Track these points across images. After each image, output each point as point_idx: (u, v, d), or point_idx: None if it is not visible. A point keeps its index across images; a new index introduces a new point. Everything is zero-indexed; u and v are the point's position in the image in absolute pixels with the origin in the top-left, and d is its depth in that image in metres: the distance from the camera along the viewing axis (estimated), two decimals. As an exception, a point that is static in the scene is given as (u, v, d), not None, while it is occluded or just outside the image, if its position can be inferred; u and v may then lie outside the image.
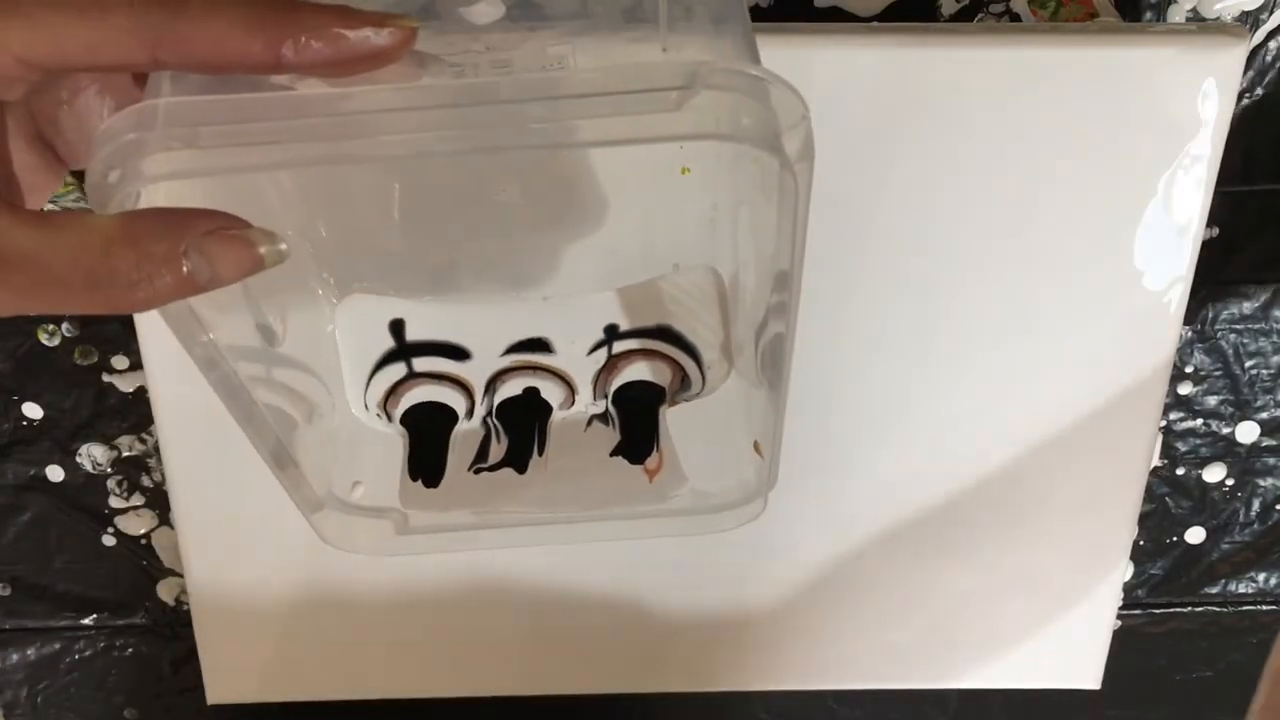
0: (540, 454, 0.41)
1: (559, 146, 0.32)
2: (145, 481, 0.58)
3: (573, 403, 0.43)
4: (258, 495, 0.47)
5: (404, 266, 0.40)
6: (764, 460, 0.38)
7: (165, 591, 0.60)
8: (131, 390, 0.55)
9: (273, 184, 0.35)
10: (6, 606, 0.61)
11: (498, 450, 0.41)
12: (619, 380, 0.42)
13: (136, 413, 0.56)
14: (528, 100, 0.24)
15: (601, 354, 0.42)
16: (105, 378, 0.55)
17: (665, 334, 0.42)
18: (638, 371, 0.42)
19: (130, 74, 0.28)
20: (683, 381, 0.43)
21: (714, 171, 0.37)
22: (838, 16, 0.47)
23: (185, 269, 0.24)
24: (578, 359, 0.42)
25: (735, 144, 0.25)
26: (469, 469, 0.41)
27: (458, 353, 0.41)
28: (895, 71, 0.40)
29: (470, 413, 0.42)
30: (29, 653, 0.62)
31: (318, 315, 0.40)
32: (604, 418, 0.43)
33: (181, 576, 0.58)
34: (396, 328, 0.41)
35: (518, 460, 0.41)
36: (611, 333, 0.42)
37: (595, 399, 0.43)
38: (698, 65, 0.24)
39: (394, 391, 0.42)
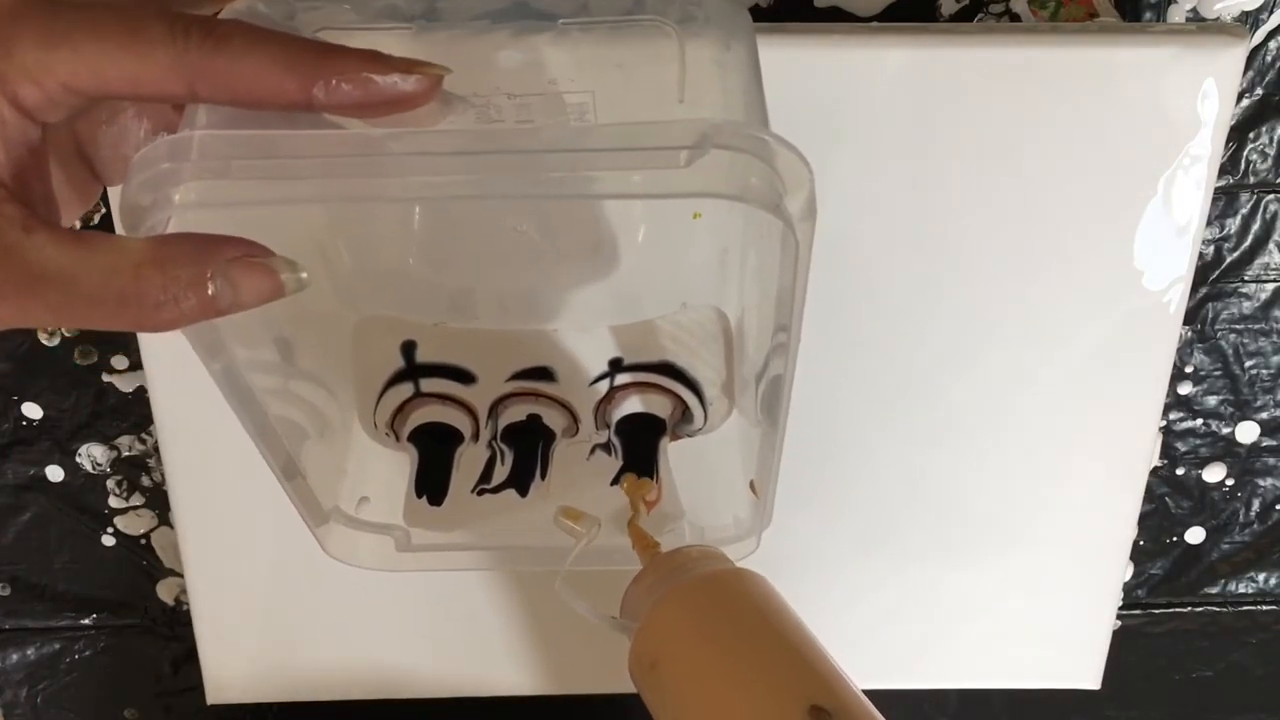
0: (543, 478, 0.41)
1: (572, 198, 0.33)
2: (145, 481, 0.58)
3: (576, 431, 0.43)
4: (258, 495, 0.47)
5: (421, 291, 0.40)
6: (759, 500, 0.38)
7: (165, 591, 0.60)
8: (131, 390, 0.55)
9: (298, 207, 0.35)
10: (6, 606, 0.61)
11: (501, 473, 0.41)
12: (619, 411, 0.42)
13: (136, 413, 0.56)
14: (548, 151, 0.25)
15: (603, 385, 0.42)
16: (105, 378, 0.55)
17: (667, 369, 0.42)
18: (637, 404, 0.42)
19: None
20: (684, 415, 0.43)
21: (725, 218, 0.37)
22: (838, 16, 0.47)
23: (210, 292, 0.25)
24: (580, 389, 0.42)
25: (740, 203, 0.26)
26: (472, 490, 0.41)
27: (464, 376, 0.42)
28: (896, 71, 0.40)
29: (476, 435, 0.42)
30: (29, 653, 0.62)
31: (335, 332, 0.40)
32: (607, 447, 0.43)
33: (181, 576, 0.58)
34: (408, 349, 0.41)
35: (520, 483, 0.41)
36: (615, 365, 0.42)
37: (597, 429, 0.43)
38: (709, 126, 0.25)
39: (401, 410, 0.42)
